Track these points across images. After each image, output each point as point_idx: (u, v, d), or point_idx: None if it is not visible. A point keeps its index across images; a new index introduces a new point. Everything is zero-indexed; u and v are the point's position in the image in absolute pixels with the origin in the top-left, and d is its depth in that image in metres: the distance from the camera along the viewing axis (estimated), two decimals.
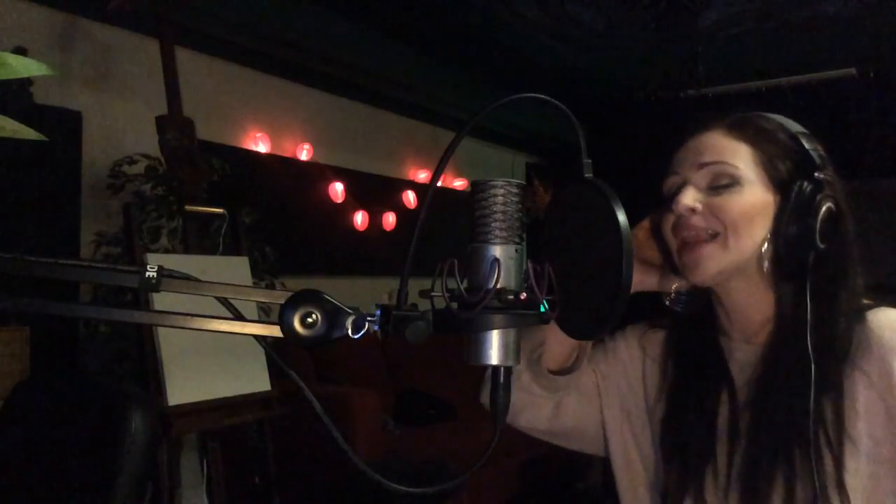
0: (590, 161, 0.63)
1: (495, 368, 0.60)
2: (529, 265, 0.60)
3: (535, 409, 0.96)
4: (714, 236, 0.85)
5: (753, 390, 0.86)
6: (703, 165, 0.86)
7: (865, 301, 0.86)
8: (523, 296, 0.58)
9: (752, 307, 0.88)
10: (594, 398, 0.99)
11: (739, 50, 4.42)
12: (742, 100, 5.12)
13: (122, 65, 3.42)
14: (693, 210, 0.85)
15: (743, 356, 0.90)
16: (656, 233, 0.94)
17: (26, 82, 2.66)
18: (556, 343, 0.94)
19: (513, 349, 0.59)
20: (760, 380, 0.86)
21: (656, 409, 0.96)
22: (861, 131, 4.84)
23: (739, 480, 0.84)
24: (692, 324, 0.95)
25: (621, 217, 0.57)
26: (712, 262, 0.85)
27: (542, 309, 0.59)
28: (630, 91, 5.27)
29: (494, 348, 0.58)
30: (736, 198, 0.84)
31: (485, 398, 0.99)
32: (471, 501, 2.93)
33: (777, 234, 0.83)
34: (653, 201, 0.93)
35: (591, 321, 0.61)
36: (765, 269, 0.85)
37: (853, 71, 4.92)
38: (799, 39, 4.30)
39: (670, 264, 0.92)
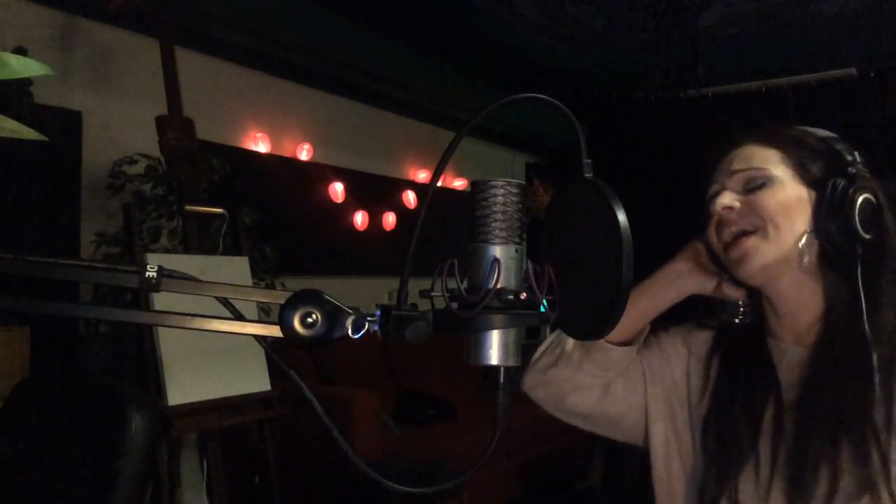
0: (590, 161, 0.63)
1: (495, 368, 0.60)
2: (529, 265, 0.60)
3: (584, 391, 0.98)
4: (755, 230, 0.88)
5: (803, 388, 0.88)
6: (735, 172, 0.90)
7: None
8: (523, 296, 0.58)
9: (800, 305, 0.90)
10: (640, 386, 1.01)
11: (739, 50, 4.42)
12: (742, 100, 5.12)
13: (122, 65, 3.42)
14: (731, 208, 0.89)
15: (792, 357, 0.92)
16: (710, 250, 0.96)
17: (26, 82, 2.66)
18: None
19: (513, 349, 0.59)
20: (812, 375, 0.88)
21: (699, 407, 0.98)
22: (861, 131, 4.84)
23: (783, 475, 0.86)
24: (742, 326, 0.97)
25: (621, 217, 0.57)
26: (757, 256, 0.87)
27: (542, 309, 0.59)
28: (630, 91, 5.27)
29: (494, 348, 0.58)
30: (770, 193, 0.88)
31: (526, 385, 1.00)
32: (471, 501, 2.93)
33: (818, 229, 0.86)
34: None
35: (591, 321, 0.61)
36: (805, 263, 0.87)
37: (853, 71, 4.92)
38: (799, 39, 4.31)
39: (727, 275, 0.94)
